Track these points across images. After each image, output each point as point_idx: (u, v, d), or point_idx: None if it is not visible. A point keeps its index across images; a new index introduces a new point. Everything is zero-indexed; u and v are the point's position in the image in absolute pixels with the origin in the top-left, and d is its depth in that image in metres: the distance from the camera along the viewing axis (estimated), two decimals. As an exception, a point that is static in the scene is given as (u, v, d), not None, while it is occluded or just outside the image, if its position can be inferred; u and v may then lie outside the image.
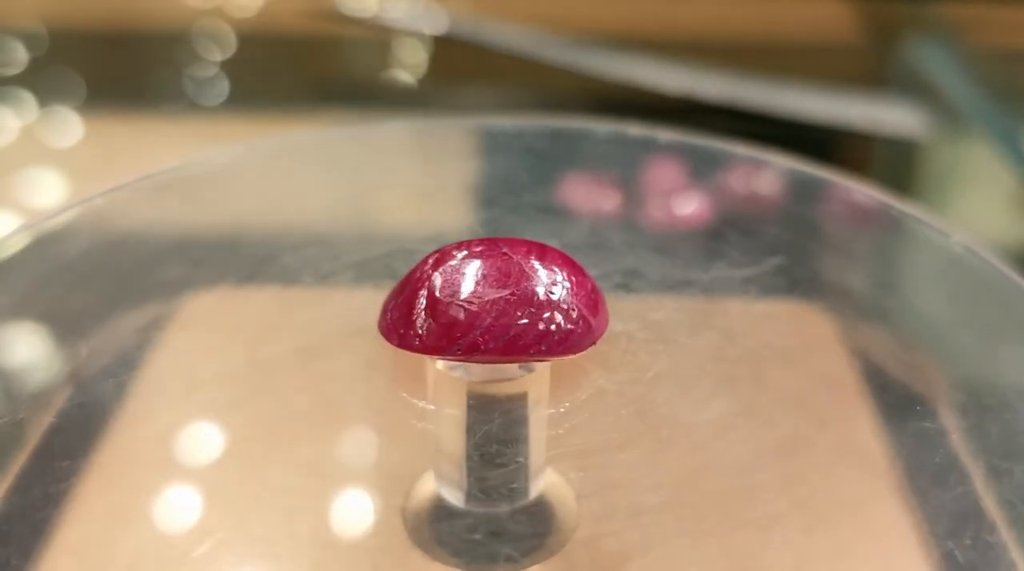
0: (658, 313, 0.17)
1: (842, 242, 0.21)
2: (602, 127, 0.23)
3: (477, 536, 0.14)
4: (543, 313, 0.12)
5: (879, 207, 0.20)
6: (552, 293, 0.13)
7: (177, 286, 0.19)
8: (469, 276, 0.13)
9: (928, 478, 0.15)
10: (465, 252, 0.13)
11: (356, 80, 0.37)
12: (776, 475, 0.15)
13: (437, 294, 0.13)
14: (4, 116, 0.31)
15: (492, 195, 0.22)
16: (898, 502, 0.15)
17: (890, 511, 0.15)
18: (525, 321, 0.12)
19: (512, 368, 0.13)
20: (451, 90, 0.36)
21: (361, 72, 0.38)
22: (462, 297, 0.12)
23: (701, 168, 0.22)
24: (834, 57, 0.39)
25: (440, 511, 0.14)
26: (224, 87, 0.34)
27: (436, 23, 0.36)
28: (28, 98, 0.32)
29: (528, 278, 0.13)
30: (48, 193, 0.28)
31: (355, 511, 0.15)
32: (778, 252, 0.19)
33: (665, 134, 0.22)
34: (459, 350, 0.12)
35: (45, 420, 0.16)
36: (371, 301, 0.14)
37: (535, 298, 0.13)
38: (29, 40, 0.36)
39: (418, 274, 0.13)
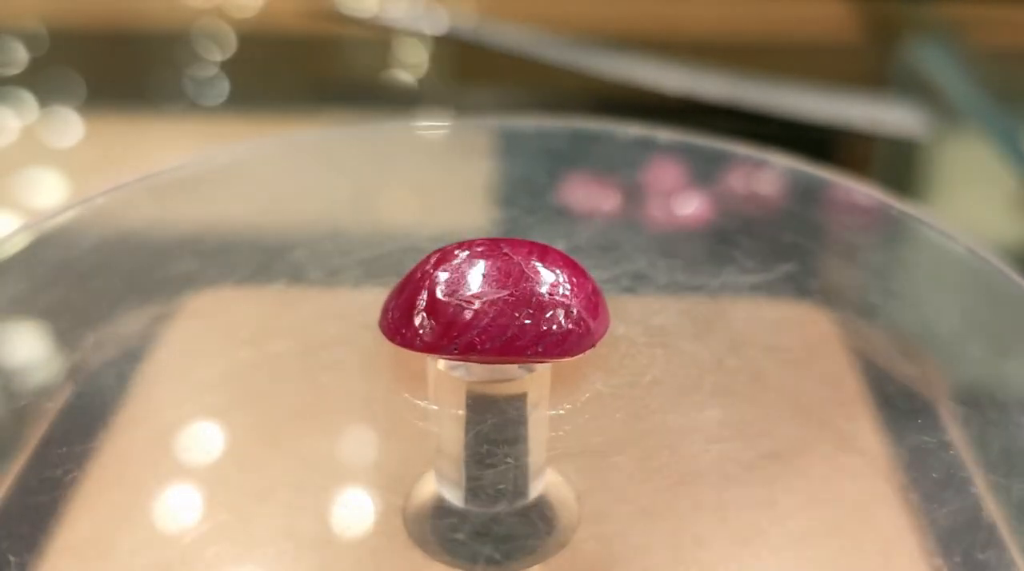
0: (661, 316, 0.17)
1: (843, 243, 0.21)
2: (626, 130, 0.23)
3: (477, 535, 0.14)
4: (541, 314, 0.12)
5: (879, 207, 0.20)
6: (551, 294, 0.13)
7: (178, 286, 0.19)
8: (469, 276, 0.13)
9: (930, 481, 0.15)
10: (466, 252, 0.13)
11: (356, 80, 0.37)
12: (776, 477, 0.15)
13: (437, 293, 0.13)
14: (4, 116, 0.31)
15: (502, 195, 0.22)
16: (899, 505, 0.15)
17: (891, 514, 0.15)
18: (523, 322, 0.12)
19: (512, 368, 0.13)
20: (451, 90, 0.36)
21: (361, 72, 0.38)
22: (461, 296, 0.12)
23: (709, 169, 0.22)
24: (834, 57, 0.39)
25: (440, 511, 0.14)
26: (224, 87, 0.34)
27: (436, 23, 0.36)
28: (28, 98, 0.32)
29: (528, 279, 0.13)
30: (48, 193, 0.28)
31: (356, 510, 0.15)
32: (779, 253, 0.19)
33: (666, 134, 0.22)
34: (456, 349, 0.12)
35: (46, 419, 0.16)
36: (371, 300, 0.14)
37: (534, 299, 0.13)
38: (29, 40, 0.36)
39: (419, 273, 0.13)
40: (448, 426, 0.14)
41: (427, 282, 0.13)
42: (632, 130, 0.23)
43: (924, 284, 0.20)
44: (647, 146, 0.23)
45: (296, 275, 0.19)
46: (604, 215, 0.21)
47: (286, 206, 0.22)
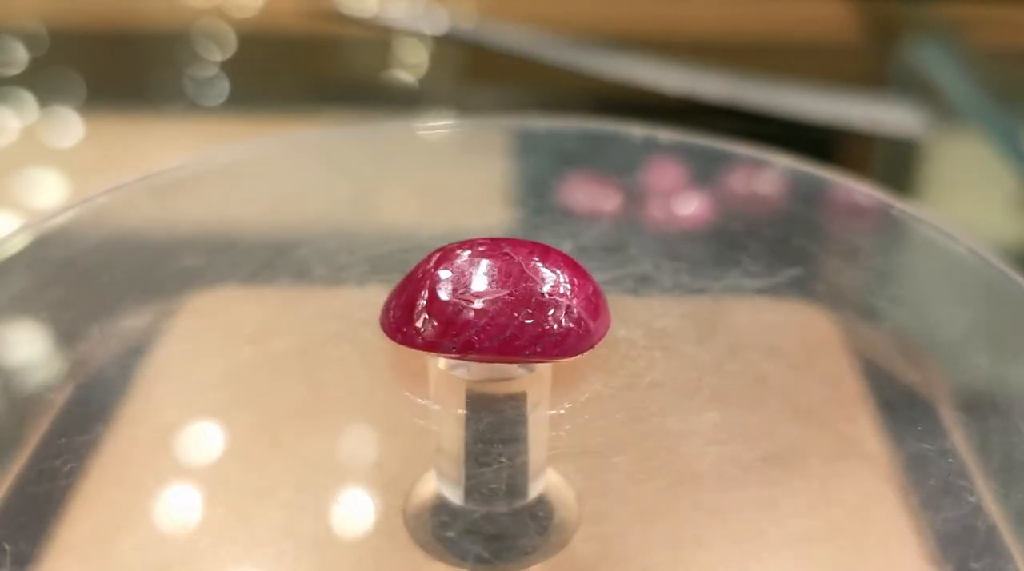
0: (663, 318, 0.17)
1: (844, 243, 0.21)
2: (635, 131, 0.23)
3: (477, 535, 0.14)
4: (540, 314, 0.12)
5: (880, 207, 0.20)
6: (551, 295, 0.13)
7: (178, 285, 0.19)
8: (469, 275, 0.13)
9: (930, 484, 0.15)
10: (468, 251, 0.13)
11: (356, 80, 0.37)
12: (777, 479, 0.15)
13: (438, 292, 0.13)
14: (4, 116, 0.31)
15: (507, 195, 0.22)
16: (900, 508, 0.15)
17: (891, 516, 0.15)
18: (522, 321, 0.12)
19: (513, 368, 0.13)
20: (451, 90, 0.36)
21: (361, 72, 0.38)
22: (460, 295, 0.12)
23: (709, 169, 0.22)
24: (834, 57, 0.39)
25: (440, 510, 0.14)
26: (224, 87, 0.34)
27: (436, 23, 0.36)
28: (28, 98, 0.32)
29: (528, 279, 0.13)
30: (48, 193, 0.28)
31: (356, 510, 0.15)
32: (780, 254, 0.19)
33: (667, 134, 0.22)
34: (454, 348, 0.12)
35: (46, 419, 0.16)
36: (372, 299, 0.14)
37: (534, 299, 0.12)
38: (29, 40, 0.36)
39: (420, 272, 0.13)
40: (448, 425, 0.14)
41: (428, 281, 0.13)
42: (636, 130, 0.23)
43: (924, 285, 0.20)
44: (648, 146, 0.23)
45: (297, 274, 0.19)
46: (608, 216, 0.21)
47: (286, 206, 0.22)
